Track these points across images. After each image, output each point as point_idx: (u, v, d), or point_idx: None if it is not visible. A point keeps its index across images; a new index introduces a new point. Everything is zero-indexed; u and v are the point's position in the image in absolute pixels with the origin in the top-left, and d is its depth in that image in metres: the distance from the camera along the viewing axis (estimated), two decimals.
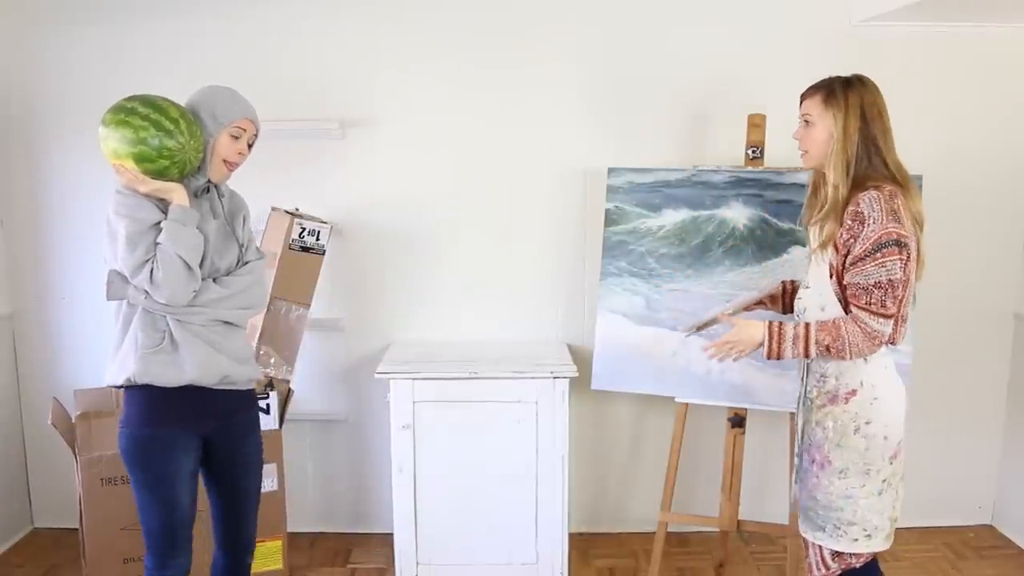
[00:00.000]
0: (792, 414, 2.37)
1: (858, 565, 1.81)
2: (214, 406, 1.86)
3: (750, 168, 2.59)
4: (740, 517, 2.61)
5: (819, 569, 1.84)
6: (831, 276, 1.77)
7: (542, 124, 2.88)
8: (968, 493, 3.12)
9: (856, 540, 1.78)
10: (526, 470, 2.55)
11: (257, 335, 2.52)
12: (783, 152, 2.55)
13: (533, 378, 2.51)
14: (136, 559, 2.40)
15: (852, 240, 1.69)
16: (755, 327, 1.83)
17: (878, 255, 1.66)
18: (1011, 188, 2.94)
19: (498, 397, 2.51)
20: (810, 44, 2.81)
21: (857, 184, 1.73)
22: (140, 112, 1.72)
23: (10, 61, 2.85)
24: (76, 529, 2.56)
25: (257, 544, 2.10)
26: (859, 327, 1.70)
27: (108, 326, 1.84)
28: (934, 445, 3.01)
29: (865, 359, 1.76)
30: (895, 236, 1.66)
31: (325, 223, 2.67)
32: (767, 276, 2.47)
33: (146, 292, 1.73)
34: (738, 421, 2.57)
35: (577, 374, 2.51)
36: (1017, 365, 3.01)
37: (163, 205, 1.77)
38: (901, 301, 1.72)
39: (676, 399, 2.58)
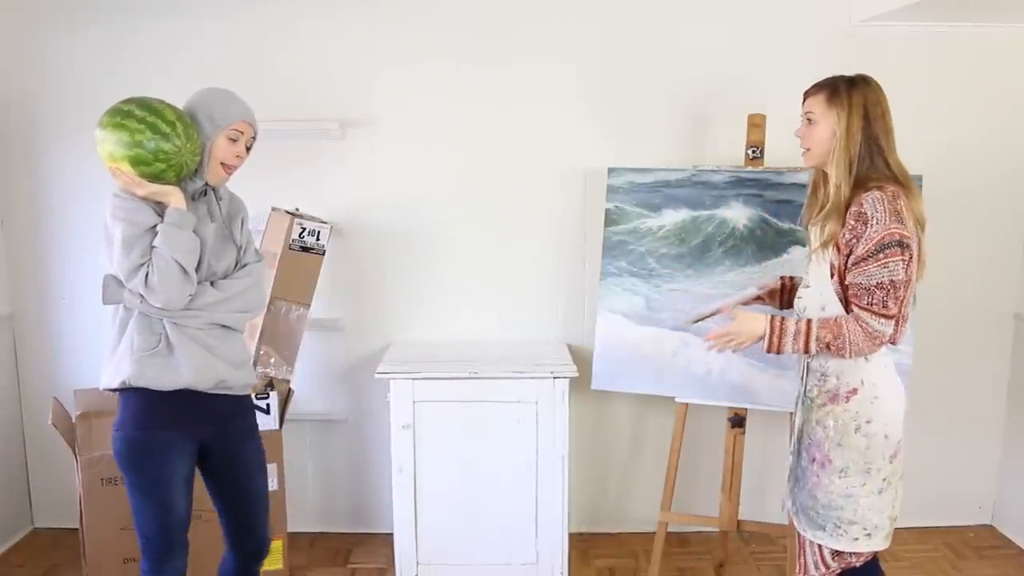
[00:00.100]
0: (792, 414, 2.37)
1: (858, 564, 1.81)
2: (209, 410, 1.85)
3: (750, 168, 2.59)
4: (740, 517, 2.61)
5: (819, 568, 1.84)
6: (832, 276, 1.77)
7: (542, 124, 2.88)
8: (968, 493, 3.12)
9: (856, 539, 1.78)
10: (526, 470, 2.55)
11: (257, 335, 2.52)
12: (783, 152, 2.55)
13: (533, 378, 2.51)
14: (136, 559, 2.39)
15: (855, 240, 1.69)
16: (757, 320, 1.84)
17: (881, 256, 1.66)
18: (1011, 188, 2.94)
19: (498, 397, 2.51)
20: (810, 44, 2.81)
21: (859, 184, 1.73)
22: (136, 115, 1.71)
23: (10, 61, 2.85)
24: (76, 529, 2.56)
25: None
26: (860, 326, 1.71)
27: (107, 327, 1.84)
28: (934, 445, 3.01)
29: (866, 358, 1.76)
30: (898, 237, 1.66)
31: (325, 223, 2.67)
32: (767, 276, 2.47)
33: (141, 296, 1.73)
34: (738, 421, 2.57)
35: (577, 374, 2.51)
36: (1017, 365, 3.01)
37: (160, 209, 1.76)
38: (903, 302, 1.72)
39: (676, 399, 2.58)
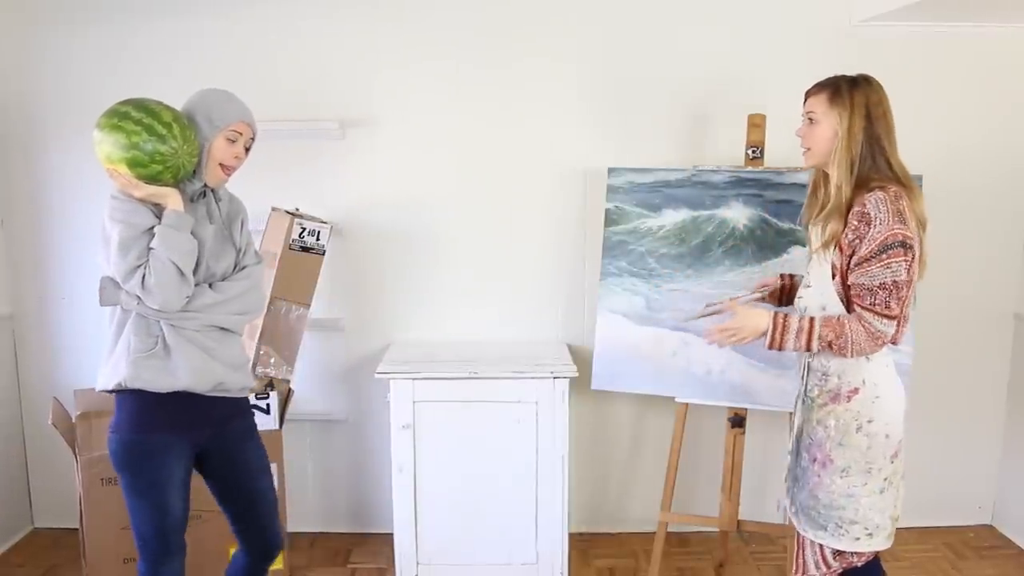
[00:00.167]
0: (791, 414, 2.37)
1: (859, 564, 1.81)
2: (207, 413, 1.84)
3: (750, 168, 2.59)
4: (740, 517, 2.62)
5: (820, 568, 1.84)
6: (834, 276, 1.77)
7: (542, 124, 2.88)
8: (968, 493, 3.12)
9: (858, 539, 1.78)
10: (526, 470, 2.55)
11: (257, 335, 2.52)
12: (783, 152, 2.55)
13: (533, 378, 2.51)
14: (136, 559, 2.39)
15: (858, 240, 1.69)
16: (760, 316, 1.83)
17: (884, 256, 1.66)
18: (1011, 188, 2.94)
19: (498, 397, 2.51)
20: (810, 44, 2.81)
21: (860, 184, 1.73)
22: (133, 117, 1.70)
23: (9, 61, 2.84)
24: (76, 529, 2.56)
25: None
26: (863, 326, 1.71)
27: (106, 328, 1.84)
28: (934, 445, 3.01)
29: (867, 358, 1.76)
30: (900, 237, 1.66)
31: (325, 223, 2.67)
32: (767, 276, 2.47)
33: (138, 298, 1.72)
34: (738, 421, 2.57)
35: (577, 374, 2.51)
36: (1017, 365, 3.01)
37: (158, 210, 1.75)
38: (904, 302, 1.73)
39: (676, 399, 2.58)
